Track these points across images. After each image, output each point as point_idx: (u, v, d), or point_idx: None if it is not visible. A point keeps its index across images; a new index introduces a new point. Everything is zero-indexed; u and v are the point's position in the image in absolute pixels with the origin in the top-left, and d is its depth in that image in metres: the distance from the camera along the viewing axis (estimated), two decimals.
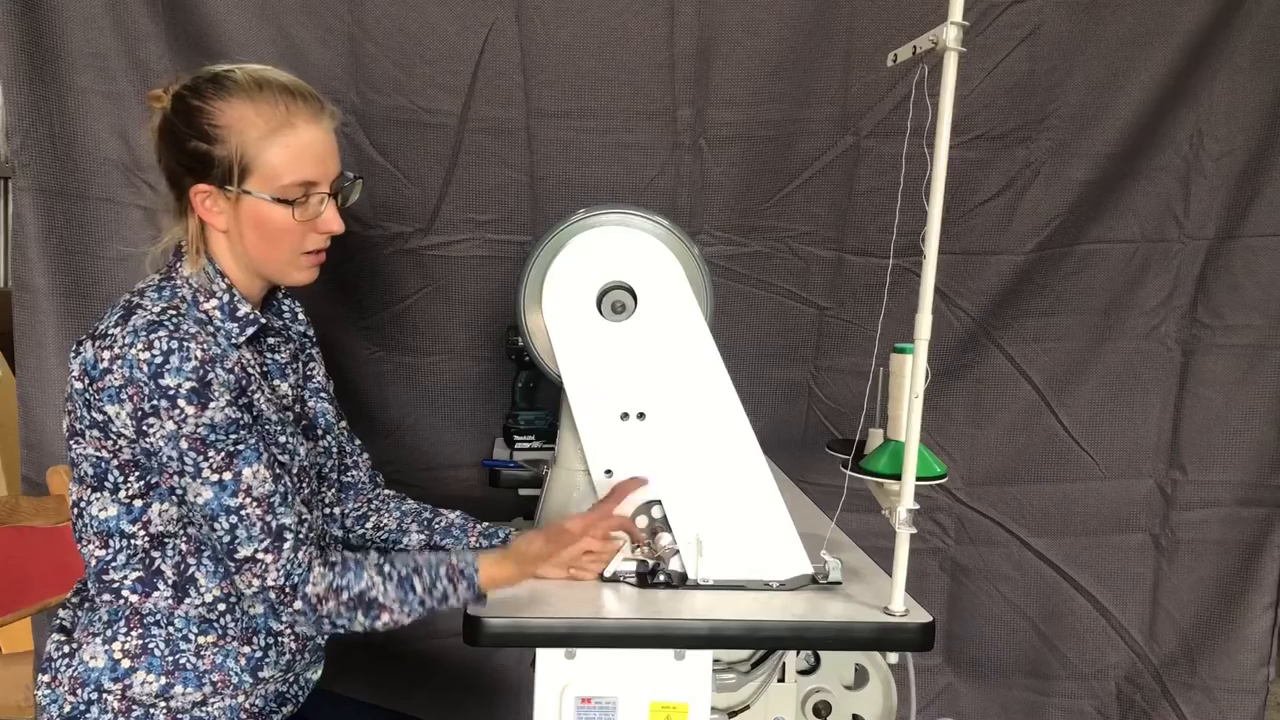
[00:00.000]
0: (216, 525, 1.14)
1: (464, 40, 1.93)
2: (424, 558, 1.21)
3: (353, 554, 1.21)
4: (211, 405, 1.12)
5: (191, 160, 1.19)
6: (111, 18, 1.84)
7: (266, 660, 1.26)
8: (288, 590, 1.15)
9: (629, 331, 1.27)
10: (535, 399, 1.98)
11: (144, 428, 1.12)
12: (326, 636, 1.19)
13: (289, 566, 1.15)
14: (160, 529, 1.20)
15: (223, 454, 1.13)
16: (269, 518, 1.15)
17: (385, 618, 1.17)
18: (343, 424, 1.45)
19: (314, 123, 1.21)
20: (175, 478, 1.14)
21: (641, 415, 1.28)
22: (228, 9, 1.86)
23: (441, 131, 1.97)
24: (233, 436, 1.14)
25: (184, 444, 1.12)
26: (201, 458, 1.12)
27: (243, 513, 1.14)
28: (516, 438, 1.95)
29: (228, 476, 1.13)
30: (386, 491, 1.50)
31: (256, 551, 1.14)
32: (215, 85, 1.20)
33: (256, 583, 1.15)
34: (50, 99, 1.85)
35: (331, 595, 1.16)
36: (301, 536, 1.18)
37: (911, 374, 1.17)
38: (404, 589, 1.18)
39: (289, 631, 1.28)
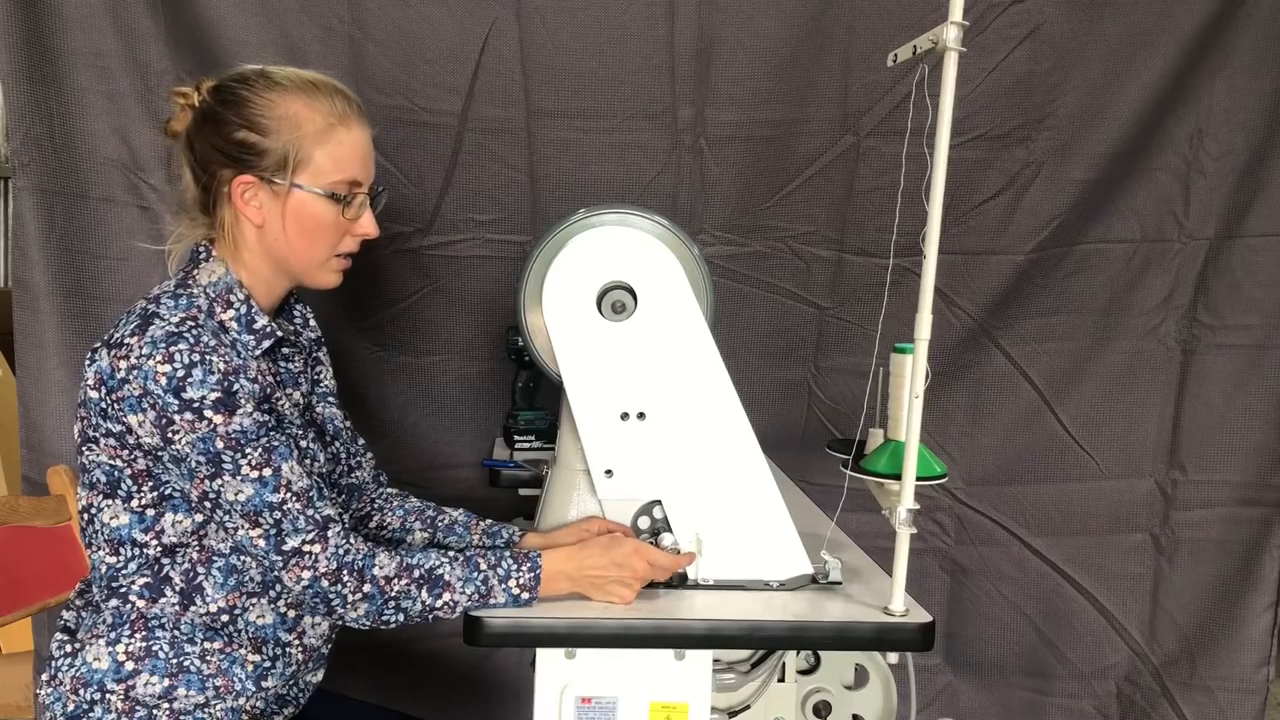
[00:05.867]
0: (261, 521, 1.14)
1: (464, 40, 1.94)
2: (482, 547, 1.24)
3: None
4: (239, 412, 1.12)
5: (238, 150, 1.20)
6: (111, 18, 1.84)
7: (273, 671, 1.26)
8: (347, 577, 1.15)
9: (629, 331, 1.27)
10: (535, 399, 1.98)
11: (170, 435, 1.12)
12: (377, 626, 1.18)
13: (340, 554, 1.15)
14: (173, 540, 1.20)
15: (259, 450, 1.13)
16: (310, 510, 1.15)
17: (446, 596, 1.17)
18: (347, 424, 1.45)
19: (362, 126, 1.25)
20: (208, 481, 1.13)
21: (641, 415, 1.28)
22: (228, 9, 1.86)
23: (441, 131, 1.97)
24: (264, 438, 1.14)
25: (219, 444, 1.12)
26: (240, 455, 1.12)
27: (285, 507, 1.14)
28: (516, 438, 1.95)
29: (268, 473, 1.13)
30: (389, 490, 1.50)
31: (304, 543, 1.14)
32: (266, 80, 1.21)
33: (307, 575, 1.15)
34: (50, 99, 1.85)
35: (403, 573, 1.16)
36: (347, 524, 1.19)
37: (911, 374, 1.17)
38: (469, 566, 1.18)
39: (297, 642, 1.28)
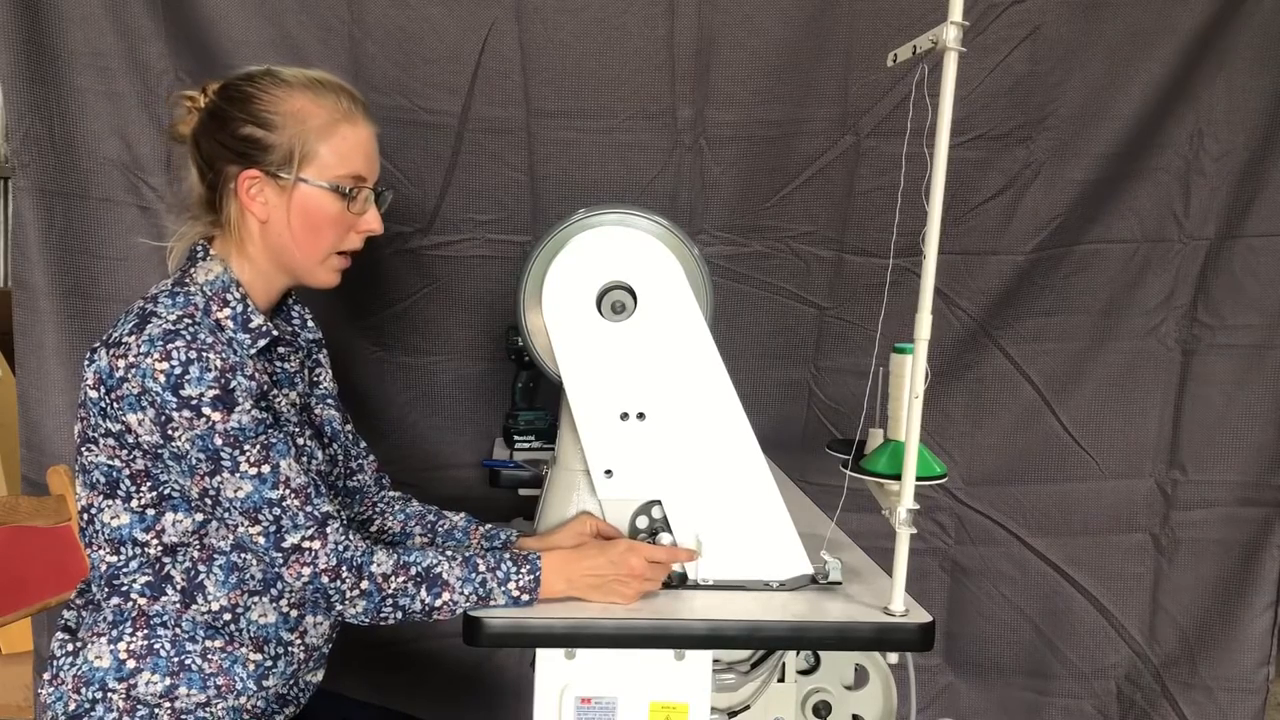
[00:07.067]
0: (261, 518, 1.14)
1: (464, 40, 1.94)
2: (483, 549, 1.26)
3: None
4: (237, 409, 1.13)
5: (243, 145, 1.21)
6: (111, 18, 1.84)
7: (274, 670, 1.26)
8: (345, 573, 1.15)
9: (629, 331, 1.27)
10: (535, 399, 1.98)
11: (170, 432, 1.12)
12: (376, 623, 1.18)
13: (339, 550, 1.15)
14: (174, 539, 1.20)
15: (258, 448, 1.14)
16: (308, 507, 1.16)
17: (445, 596, 1.17)
18: (348, 428, 1.45)
19: (367, 124, 1.26)
20: (208, 478, 1.14)
21: (641, 415, 1.28)
22: (228, 9, 1.86)
23: (441, 131, 1.97)
24: (262, 435, 1.14)
25: (218, 440, 1.12)
26: (238, 452, 1.13)
27: (284, 503, 1.14)
28: (516, 438, 1.95)
29: (266, 470, 1.14)
30: (392, 494, 1.50)
31: (303, 540, 1.15)
32: (272, 77, 1.23)
33: (307, 571, 1.15)
34: (50, 99, 1.85)
35: (400, 571, 1.17)
36: (345, 521, 1.19)
37: (911, 374, 1.17)
38: (468, 567, 1.19)
39: (299, 641, 1.28)
